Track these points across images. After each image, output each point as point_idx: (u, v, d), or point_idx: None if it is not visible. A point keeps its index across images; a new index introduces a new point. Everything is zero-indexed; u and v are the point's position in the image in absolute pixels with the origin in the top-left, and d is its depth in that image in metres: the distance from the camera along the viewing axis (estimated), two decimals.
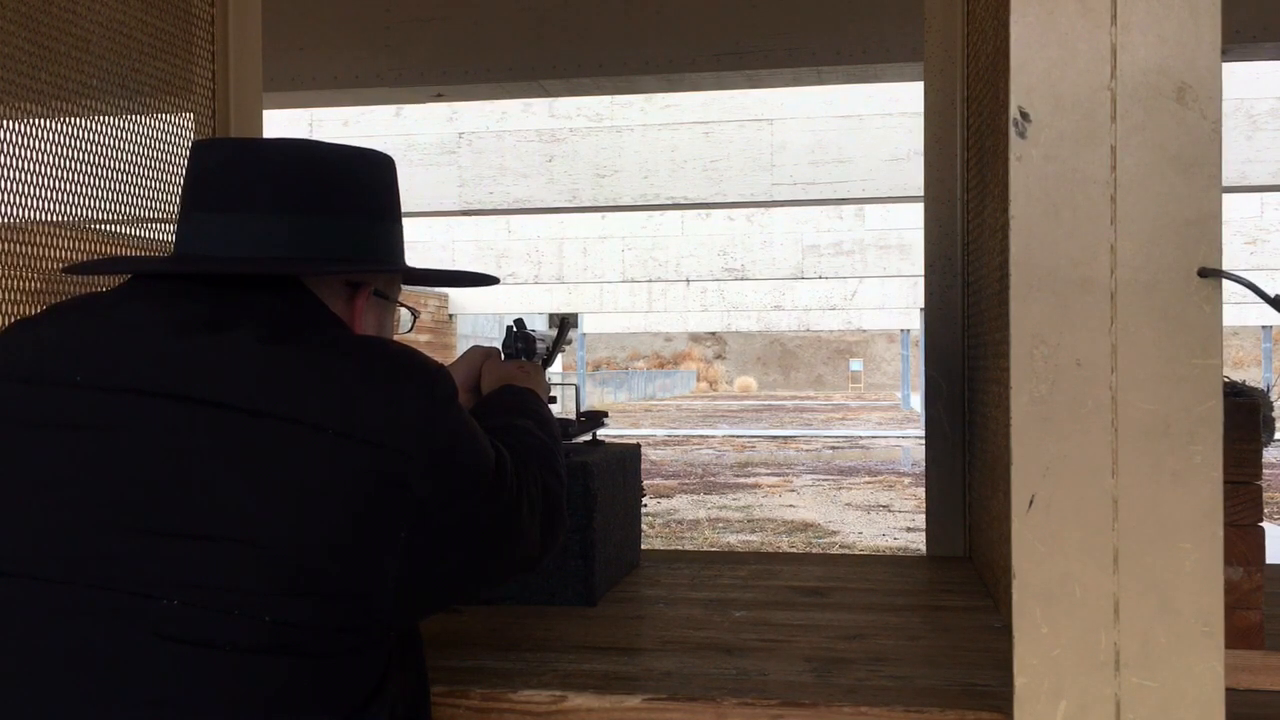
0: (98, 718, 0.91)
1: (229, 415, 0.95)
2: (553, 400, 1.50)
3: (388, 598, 0.98)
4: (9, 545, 0.95)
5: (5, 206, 1.52)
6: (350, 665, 0.98)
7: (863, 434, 21.89)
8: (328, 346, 1.02)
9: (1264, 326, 19.70)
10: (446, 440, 1.01)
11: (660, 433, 22.26)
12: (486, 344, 1.60)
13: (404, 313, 1.27)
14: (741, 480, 14.18)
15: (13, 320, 1.12)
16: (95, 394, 0.97)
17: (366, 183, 1.15)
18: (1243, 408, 1.29)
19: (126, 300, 1.06)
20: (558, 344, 1.71)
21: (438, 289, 16.08)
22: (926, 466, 2.08)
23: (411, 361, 1.04)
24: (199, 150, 1.13)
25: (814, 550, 9.25)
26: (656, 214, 11.10)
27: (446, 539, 1.02)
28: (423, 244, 11.67)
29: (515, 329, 1.62)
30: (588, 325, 23.73)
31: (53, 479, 0.96)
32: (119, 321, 1.03)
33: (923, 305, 4.88)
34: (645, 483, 1.92)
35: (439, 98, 4.50)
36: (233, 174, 1.10)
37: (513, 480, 1.10)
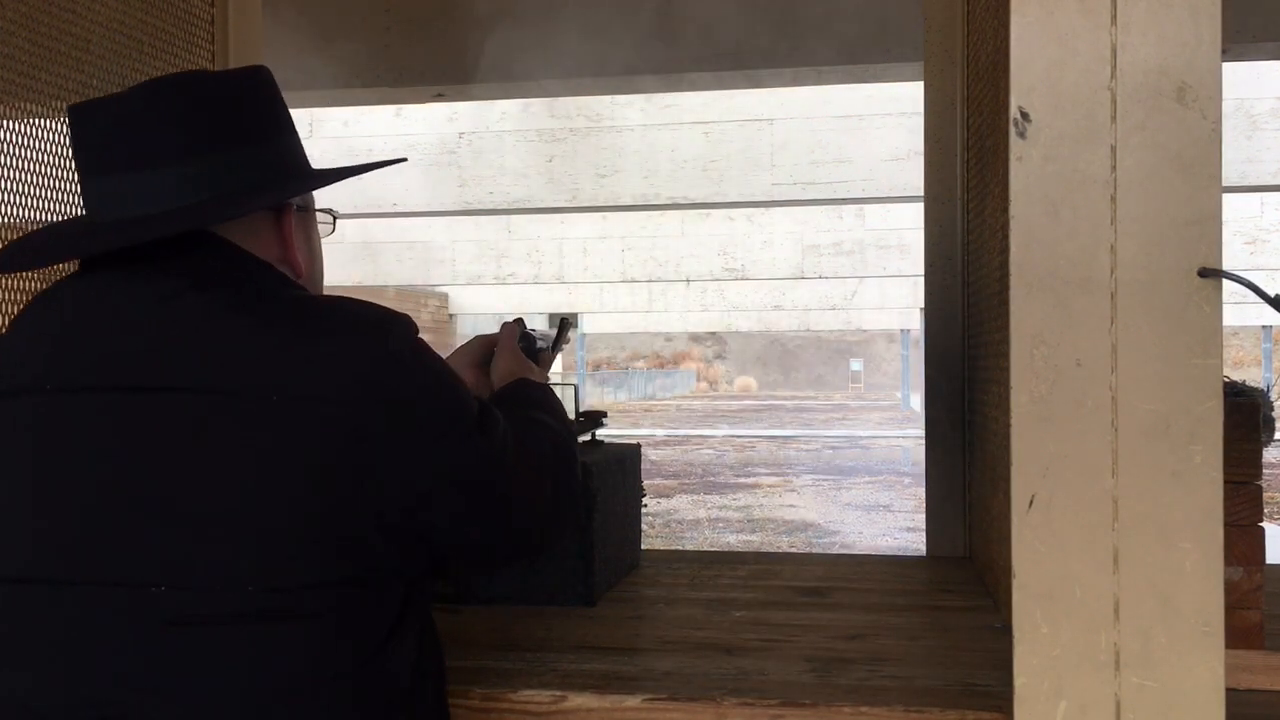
0: (120, 707, 0.93)
1: (180, 397, 0.96)
2: (552, 391, 1.49)
3: (372, 547, 0.98)
4: (16, 554, 0.98)
5: (5, 206, 1.52)
6: (354, 619, 0.98)
7: (863, 434, 21.90)
8: (277, 314, 1.02)
9: (1264, 326, 19.69)
10: (408, 389, 1.01)
11: (660, 433, 22.26)
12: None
13: (322, 217, 1.25)
14: (741, 480, 14.18)
15: (11, 320, 1.12)
16: (61, 397, 0.99)
17: (253, 103, 1.13)
18: (1243, 408, 1.29)
19: (72, 295, 1.07)
20: (557, 344, 1.71)
21: (438, 289, 16.09)
22: (926, 466, 2.08)
23: (362, 315, 1.04)
24: (78, 114, 1.10)
25: (814, 550, 9.25)
26: (656, 214, 11.09)
27: (421, 487, 1.01)
28: (423, 244, 11.67)
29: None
30: (588, 325, 23.73)
31: (42, 486, 0.98)
32: (70, 320, 1.04)
33: (923, 305, 4.88)
34: (645, 483, 1.92)
35: (439, 98, 4.50)
36: (125, 131, 1.07)
37: (508, 443, 1.10)
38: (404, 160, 1.27)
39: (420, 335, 1.08)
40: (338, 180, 1.18)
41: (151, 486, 0.95)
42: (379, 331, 1.03)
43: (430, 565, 1.08)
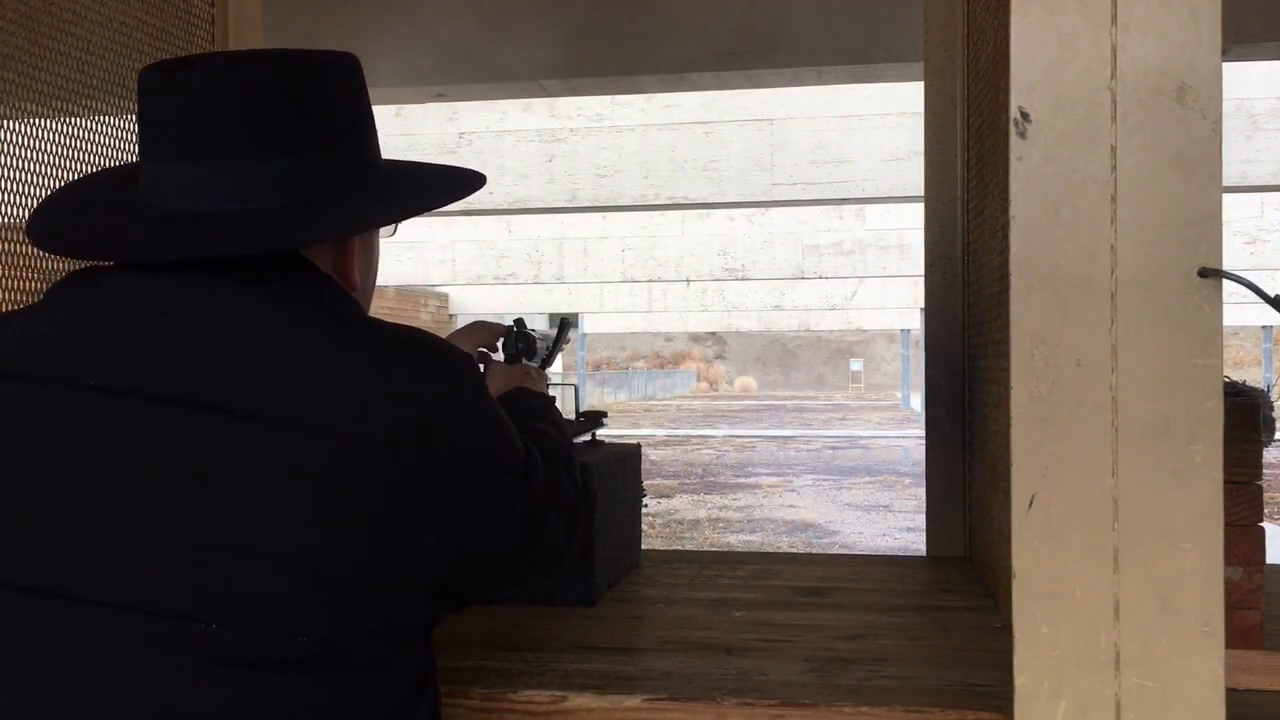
0: None
1: (243, 424, 0.89)
2: (552, 401, 1.50)
3: (422, 599, 0.95)
4: (19, 559, 0.90)
5: (5, 206, 1.52)
6: (393, 669, 0.96)
7: (863, 434, 21.91)
8: (357, 345, 0.95)
9: (1264, 326, 19.71)
10: (476, 439, 0.98)
11: (660, 433, 22.26)
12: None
13: (383, 230, 1.14)
14: (741, 480, 14.19)
15: (45, 296, 1.02)
16: (108, 398, 0.91)
17: (339, 98, 1.04)
18: (1243, 408, 1.29)
19: (124, 286, 0.97)
20: (558, 344, 1.71)
21: (438, 289, 16.08)
22: (926, 466, 2.08)
23: (435, 356, 0.98)
24: (150, 83, 0.99)
25: (814, 550, 9.25)
26: (656, 214, 11.10)
27: (477, 536, 0.99)
28: (423, 244, 11.67)
29: (515, 329, 1.62)
30: (588, 325, 23.74)
31: (75, 491, 0.90)
32: (122, 314, 0.95)
33: (923, 305, 4.88)
34: (645, 483, 1.91)
35: (439, 98, 4.50)
36: (197, 116, 0.97)
37: (542, 478, 1.07)
38: (484, 182, 1.14)
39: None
40: (438, 206, 1.08)
41: (206, 516, 0.88)
42: (455, 378, 0.98)
43: (452, 607, 1.06)
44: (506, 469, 1.01)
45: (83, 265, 1.03)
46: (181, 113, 0.98)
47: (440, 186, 1.10)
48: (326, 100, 1.03)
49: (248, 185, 0.98)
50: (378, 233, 1.13)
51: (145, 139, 1.01)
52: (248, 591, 0.88)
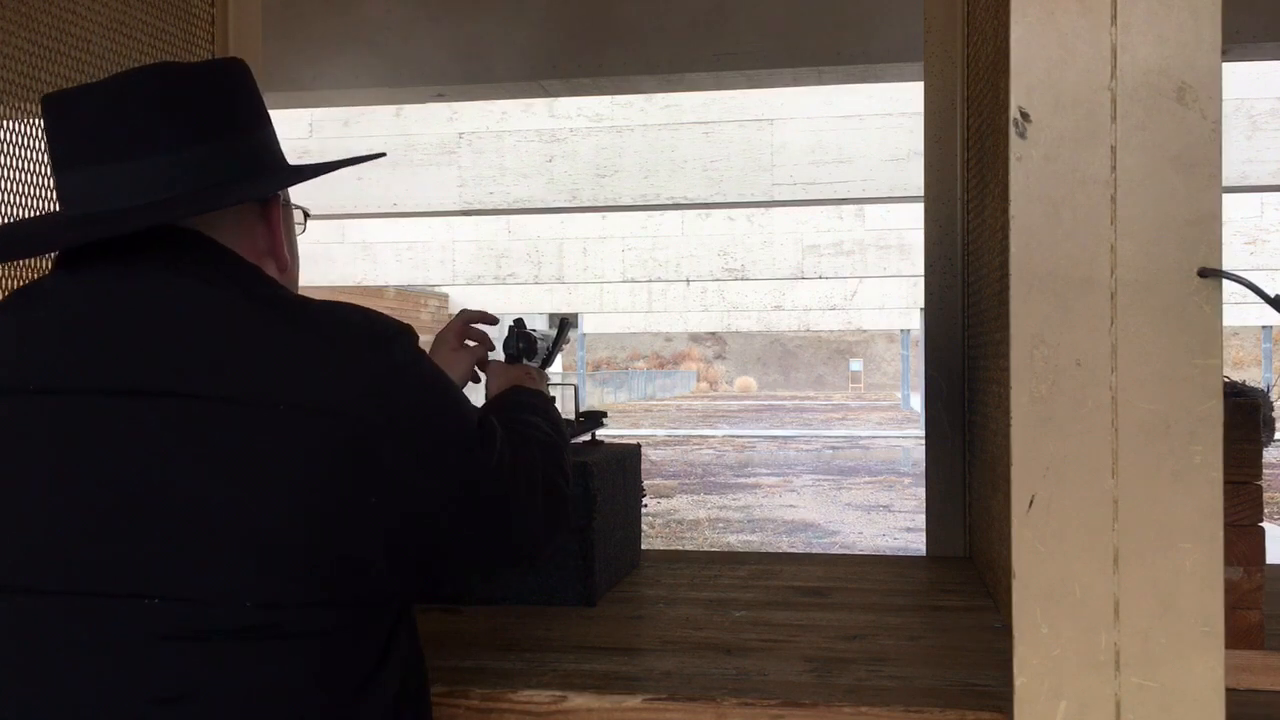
0: None
1: (178, 403, 0.93)
2: (550, 401, 1.50)
3: (375, 568, 0.97)
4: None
5: (5, 206, 1.52)
6: (348, 641, 0.97)
7: (863, 434, 21.91)
8: (285, 320, 0.99)
9: (1264, 326, 19.71)
10: (411, 403, 1.00)
11: (660, 433, 22.27)
12: (489, 345, 1.57)
13: (297, 213, 1.22)
14: (741, 480, 14.19)
15: None
16: (48, 399, 0.95)
17: (233, 94, 1.11)
18: (1243, 408, 1.29)
19: (63, 291, 1.02)
20: (558, 344, 1.71)
21: (438, 289, 16.09)
22: (926, 466, 2.08)
23: (366, 324, 1.02)
24: (55, 103, 1.06)
25: (814, 550, 9.25)
26: (656, 214, 11.09)
27: (429, 505, 1.00)
28: (423, 244, 11.65)
29: (516, 328, 1.62)
30: (588, 325, 23.74)
31: (25, 490, 0.94)
32: (55, 317, 1.00)
33: (923, 305, 4.88)
34: (645, 483, 1.92)
35: (439, 98, 4.50)
36: (109, 120, 1.04)
37: (505, 452, 1.08)
38: (383, 155, 1.24)
39: (419, 344, 1.07)
40: (328, 171, 1.15)
41: (146, 496, 0.92)
42: (387, 344, 1.01)
43: (424, 585, 1.06)
44: (451, 436, 1.03)
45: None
46: (95, 117, 1.04)
47: (335, 163, 1.16)
48: (221, 95, 1.09)
49: (158, 175, 1.04)
50: (293, 220, 1.19)
51: (62, 149, 1.06)
52: (192, 564, 0.91)
